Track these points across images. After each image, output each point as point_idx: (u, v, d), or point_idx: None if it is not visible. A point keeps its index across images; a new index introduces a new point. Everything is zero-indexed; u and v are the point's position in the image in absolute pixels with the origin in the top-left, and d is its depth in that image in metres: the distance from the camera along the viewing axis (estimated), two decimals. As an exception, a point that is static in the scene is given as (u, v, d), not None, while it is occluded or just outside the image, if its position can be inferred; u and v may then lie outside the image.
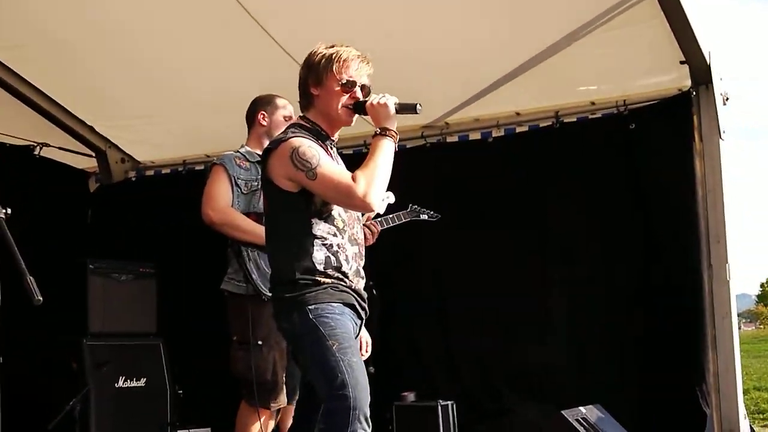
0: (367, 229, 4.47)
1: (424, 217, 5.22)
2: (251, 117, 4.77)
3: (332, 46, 3.52)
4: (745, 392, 9.02)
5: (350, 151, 6.73)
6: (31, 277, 2.89)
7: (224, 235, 4.55)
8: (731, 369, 5.89)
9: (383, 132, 3.43)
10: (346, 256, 3.41)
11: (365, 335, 3.96)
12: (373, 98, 3.46)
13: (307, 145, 3.33)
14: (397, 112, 3.45)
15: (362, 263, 3.52)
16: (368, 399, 3.21)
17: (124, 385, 6.59)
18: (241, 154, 4.68)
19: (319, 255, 3.33)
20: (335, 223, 3.40)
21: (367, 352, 4.00)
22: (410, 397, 6.59)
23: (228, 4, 5.76)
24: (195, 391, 7.21)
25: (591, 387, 6.04)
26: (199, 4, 5.89)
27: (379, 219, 4.77)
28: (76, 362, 6.37)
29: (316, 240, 3.35)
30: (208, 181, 4.60)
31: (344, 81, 3.46)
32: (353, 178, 3.29)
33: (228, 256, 4.61)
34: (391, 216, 4.89)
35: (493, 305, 6.64)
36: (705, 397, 5.84)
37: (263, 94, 4.85)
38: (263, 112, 4.72)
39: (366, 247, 3.65)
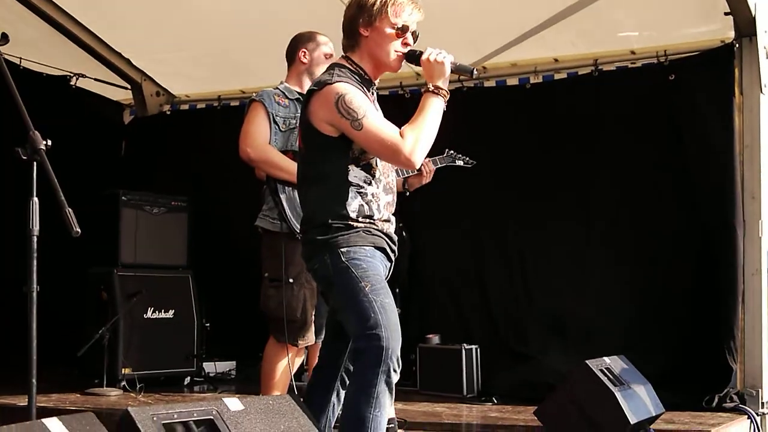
0: (424, 168, 4.51)
1: (460, 162, 5.18)
2: (291, 54, 4.72)
3: None
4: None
5: (386, 92, 6.68)
6: (69, 209, 2.92)
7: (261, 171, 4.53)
8: (757, 326, 5.85)
9: (435, 90, 3.37)
10: (379, 205, 3.39)
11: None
12: (431, 53, 3.38)
13: (353, 93, 3.27)
14: (452, 71, 3.39)
15: (392, 209, 3.50)
16: (400, 340, 3.21)
17: (153, 316, 6.67)
18: (280, 90, 4.63)
19: (353, 203, 3.31)
20: (371, 171, 3.37)
21: None
22: (435, 339, 6.62)
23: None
24: (222, 325, 7.29)
25: (619, 338, 6.03)
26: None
27: (432, 159, 4.79)
28: (107, 292, 6.44)
29: (351, 187, 3.32)
30: (246, 116, 4.57)
31: (399, 25, 3.38)
32: (401, 134, 3.25)
33: (263, 193, 4.60)
34: (430, 159, 4.87)
35: (526, 254, 6.63)
36: (732, 353, 5.81)
37: (304, 31, 4.78)
38: (304, 50, 4.66)
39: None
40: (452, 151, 5.15)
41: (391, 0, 3.38)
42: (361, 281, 3.21)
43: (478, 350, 6.43)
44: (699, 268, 6.09)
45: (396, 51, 3.42)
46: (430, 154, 4.67)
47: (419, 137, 3.27)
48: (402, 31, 3.40)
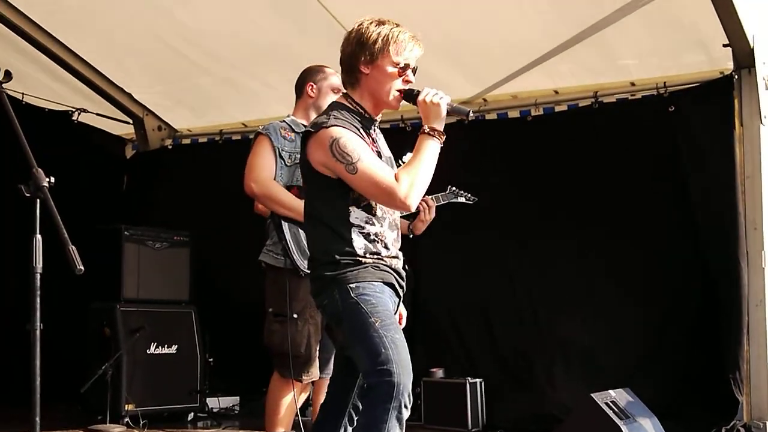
0: (423, 204, 4.51)
1: (462, 199, 5.17)
2: (300, 87, 4.71)
3: (382, 23, 3.38)
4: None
5: (387, 125, 6.70)
6: (73, 247, 2.92)
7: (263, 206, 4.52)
8: (762, 357, 5.84)
9: (431, 132, 3.34)
10: (386, 243, 3.37)
11: (401, 308, 3.94)
12: (428, 94, 3.34)
13: (347, 137, 3.24)
14: (448, 113, 3.37)
15: (398, 244, 3.49)
16: (411, 375, 3.18)
17: (156, 352, 6.65)
18: (287, 123, 4.61)
19: (357, 242, 3.30)
20: (372, 211, 3.35)
21: (401, 324, 3.98)
22: (439, 373, 6.61)
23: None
24: (225, 360, 7.26)
25: (624, 370, 6.01)
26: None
27: (433, 196, 4.79)
28: (109, 328, 6.43)
29: (353, 228, 3.30)
30: (251, 150, 4.56)
31: (401, 63, 3.35)
32: (396, 178, 3.23)
33: (268, 228, 4.59)
34: (432, 196, 4.88)
35: (530, 287, 6.62)
36: (738, 385, 5.79)
37: (311, 64, 4.78)
38: (311, 83, 4.63)
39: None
40: (454, 188, 5.15)
41: (393, 38, 3.33)
42: (371, 317, 3.19)
43: (483, 383, 6.41)
44: (704, 300, 6.09)
45: (397, 90, 3.38)
46: (431, 191, 4.72)
47: (414, 180, 3.23)
48: (403, 69, 3.37)
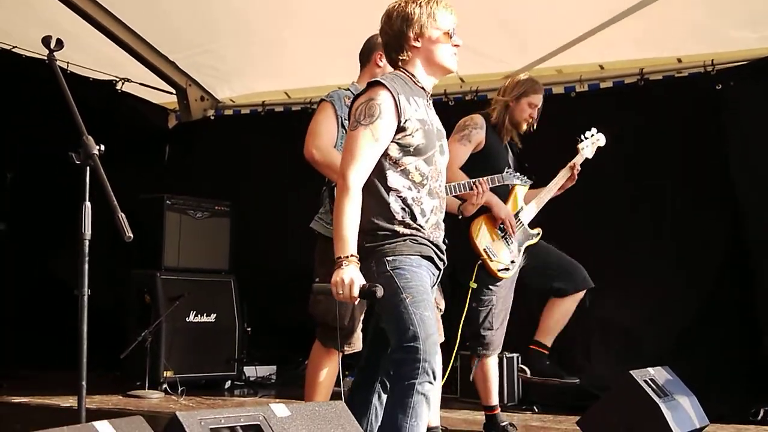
0: (480, 186, 4.52)
1: (517, 182, 5.14)
2: (367, 55, 4.65)
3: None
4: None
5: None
6: (122, 214, 2.95)
7: (323, 174, 4.51)
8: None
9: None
10: (422, 209, 3.39)
11: (438, 296, 3.95)
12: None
13: (386, 104, 3.30)
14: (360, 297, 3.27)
15: (442, 215, 3.51)
16: (438, 353, 3.24)
17: (195, 320, 6.71)
18: (351, 92, 4.59)
19: (395, 206, 3.34)
20: (411, 176, 3.38)
21: (440, 310, 3.99)
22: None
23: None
24: (263, 330, 7.31)
25: (664, 349, 5.98)
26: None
27: (489, 177, 4.77)
28: (150, 296, 6.49)
29: (391, 192, 3.35)
30: (314, 116, 4.54)
31: (447, 29, 3.44)
32: (343, 174, 3.29)
33: (322, 195, 4.59)
34: (488, 178, 4.87)
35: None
36: (770, 371, 5.77)
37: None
38: (381, 53, 4.60)
39: None
40: (510, 170, 5.11)
41: (433, 7, 3.44)
42: (404, 292, 3.24)
43: (519, 358, 6.40)
44: (744, 281, 6.03)
45: (450, 53, 3.47)
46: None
47: (353, 168, 3.29)
48: (450, 34, 3.45)
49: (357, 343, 4.45)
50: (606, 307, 6.24)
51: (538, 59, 6.70)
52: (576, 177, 5.31)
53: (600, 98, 6.70)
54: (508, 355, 6.38)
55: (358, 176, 3.28)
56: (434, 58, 3.46)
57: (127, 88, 7.97)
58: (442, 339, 4.37)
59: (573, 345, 6.54)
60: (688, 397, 5.01)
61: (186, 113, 8.34)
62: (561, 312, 5.32)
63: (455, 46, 3.47)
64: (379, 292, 3.19)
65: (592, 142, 5.41)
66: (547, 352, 5.31)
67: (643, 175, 6.37)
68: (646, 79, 6.53)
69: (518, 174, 5.07)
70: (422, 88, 3.48)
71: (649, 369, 5.00)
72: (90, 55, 7.42)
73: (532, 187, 5.34)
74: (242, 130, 8.21)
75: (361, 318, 4.45)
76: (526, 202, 5.30)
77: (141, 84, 7.98)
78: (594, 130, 5.42)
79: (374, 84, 3.35)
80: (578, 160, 5.34)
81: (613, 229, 6.41)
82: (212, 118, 8.43)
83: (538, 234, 5.31)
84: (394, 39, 3.47)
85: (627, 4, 5.95)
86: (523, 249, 5.24)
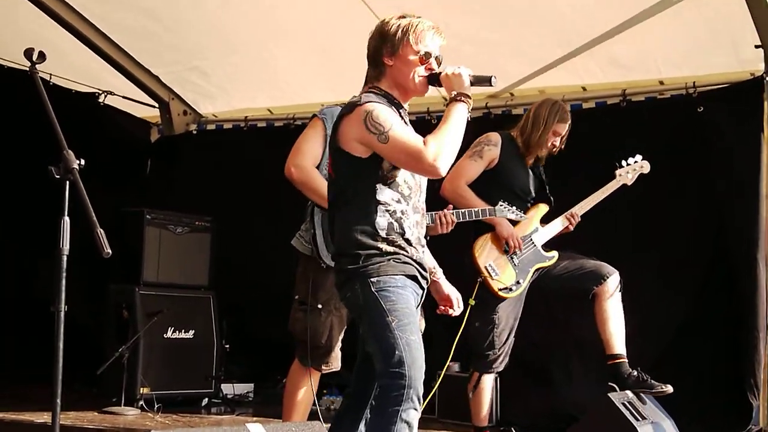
0: (443, 218, 4.50)
1: (511, 216, 5.11)
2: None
3: (404, 17, 3.49)
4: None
5: (413, 118, 6.67)
6: (101, 230, 2.92)
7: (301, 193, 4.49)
8: (780, 363, 5.82)
9: (457, 97, 3.40)
10: (410, 223, 3.40)
11: (454, 292, 3.90)
12: (448, 69, 3.42)
13: (380, 109, 3.31)
14: (472, 84, 3.42)
15: (423, 232, 3.51)
16: (422, 378, 3.23)
17: (173, 336, 6.67)
18: None
19: (381, 221, 3.32)
20: (400, 189, 3.38)
21: (459, 307, 3.94)
22: (455, 367, 6.58)
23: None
24: (241, 347, 7.27)
25: (644, 369, 5.96)
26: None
27: (459, 211, 4.74)
28: (128, 311, 6.45)
29: (379, 206, 3.34)
30: (303, 132, 4.53)
31: (422, 52, 3.43)
32: (424, 143, 3.26)
33: (307, 212, 4.57)
34: (475, 210, 4.86)
35: (549, 283, 6.58)
36: (753, 390, 5.77)
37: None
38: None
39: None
40: (504, 204, 5.06)
41: (412, 28, 3.43)
42: (389, 315, 3.22)
43: (498, 379, 6.38)
44: (723, 302, 6.05)
45: (420, 76, 3.46)
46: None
47: (442, 144, 3.28)
48: (425, 57, 3.44)
49: (335, 363, 4.44)
50: (585, 326, 6.22)
51: (520, 79, 6.72)
52: (573, 226, 5.35)
53: (582, 118, 6.71)
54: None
55: (434, 150, 3.26)
56: (401, 79, 3.46)
57: (110, 101, 7.94)
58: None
59: (552, 365, 6.54)
60: (665, 421, 5.01)
61: (168, 127, 8.32)
62: (608, 314, 5.24)
63: (429, 69, 3.46)
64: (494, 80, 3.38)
65: (634, 169, 5.40)
66: (623, 360, 5.19)
67: (626, 194, 6.37)
68: (628, 100, 6.56)
69: (512, 208, 5.02)
70: (398, 102, 3.49)
71: (627, 392, 5.01)
72: (73, 68, 7.39)
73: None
74: (225, 144, 8.19)
75: (340, 337, 4.44)
76: (544, 224, 5.31)
77: (124, 97, 7.95)
78: (639, 156, 5.42)
79: (359, 104, 3.34)
80: (611, 187, 5.38)
81: (595, 247, 6.39)
82: (195, 132, 8.41)
83: (553, 257, 5.28)
84: (372, 53, 3.50)
85: (607, 27, 5.98)
86: (532, 270, 5.21)
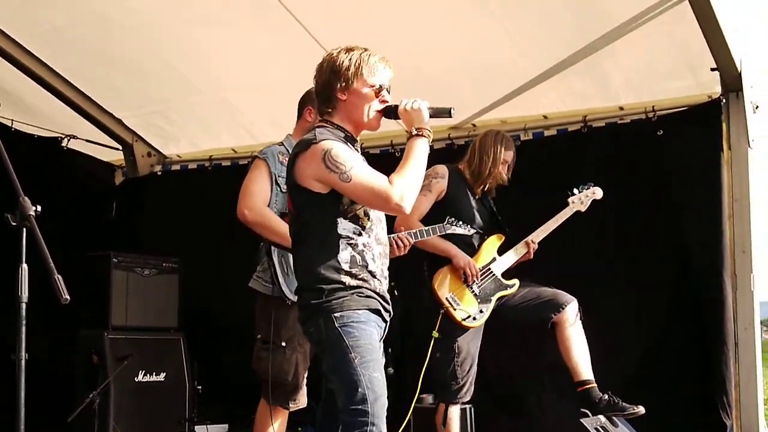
0: (399, 241, 4.53)
1: (460, 231, 5.17)
2: (300, 109, 4.71)
3: (351, 50, 3.50)
4: (765, 402, 8.92)
5: (377, 151, 6.72)
6: (59, 276, 2.91)
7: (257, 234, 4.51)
8: (752, 379, 5.84)
9: (418, 132, 3.42)
10: (373, 255, 3.41)
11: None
12: (406, 103, 3.45)
13: (338, 148, 3.33)
14: (431, 116, 3.45)
15: (386, 263, 3.51)
16: (385, 414, 3.24)
17: (144, 380, 6.61)
18: (285, 148, 4.59)
19: (344, 254, 3.33)
20: (361, 222, 3.40)
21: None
22: (428, 399, 6.55)
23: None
24: (214, 388, 7.21)
25: (616, 392, 5.97)
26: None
27: (412, 231, 4.76)
28: (97, 356, 6.39)
29: (341, 239, 3.35)
30: (248, 174, 4.56)
31: (376, 85, 3.46)
32: (390, 182, 3.29)
33: (260, 253, 4.59)
34: (426, 229, 4.90)
35: (507, 313, 6.59)
36: (726, 408, 5.79)
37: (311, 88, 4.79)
38: (310, 108, 4.63)
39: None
40: (453, 219, 5.11)
41: (364, 61, 3.46)
42: (352, 351, 3.23)
43: (472, 409, 6.36)
44: (689, 323, 6.09)
45: (375, 110, 3.48)
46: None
47: (407, 182, 3.32)
48: (379, 89, 3.46)
49: (302, 399, 4.45)
50: (556, 352, 6.23)
51: (481, 110, 6.76)
52: (532, 252, 5.42)
53: (545, 146, 6.77)
54: (461, 406, 6.34)
55: (400, 189, 3.30)
56: (355, 114, 3.48)
57: (74, 144, 7.89)
58: None
59: (526, 395, 6.54)
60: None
61: (133, 169, 8.29)
62: (571, 342, 5.29)
63: (383, 102, 3.48)
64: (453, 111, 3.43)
65: (586, 195, 5.47)
66: (592, 385, 5.25)
67: (588, 219, 6.40)
68: (589, 126, 6.60)
69: (460, 223, 5.08)
70: (351, 136, 3.51)
71: (600, 417, 5.02)
72: (34, 113, 7.37)
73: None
74: (190, 185, 8.17)
75: (305, 374, 4.43)
76: (501, 254, 5.35)
77: (87, 141, 7.91)
78: (589, 183, 5.50)
79: (315, 142, 3.35)
80: (565, 215, 5.48)
81: (559, 273, 6.42)
82: (159, 173, 8.39)
83: (514, 285, 5.33)
84: (322, 89, 3.52)
85: (564, 55, 6.05)
86: (494, 299, 5.25)
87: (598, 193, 5.54)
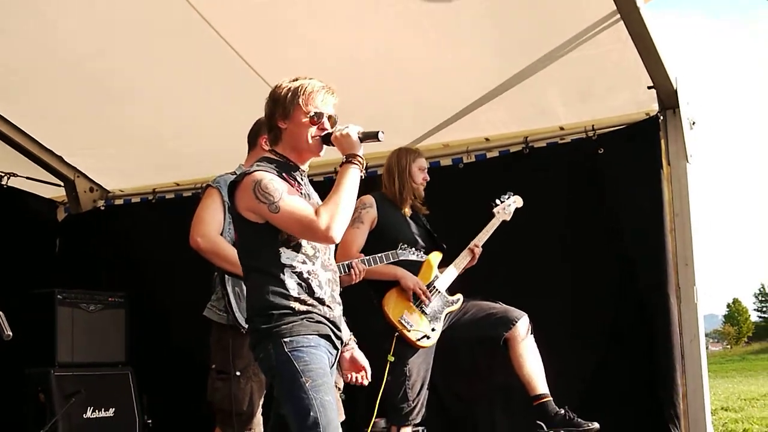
0: (355, 268, 4.56)
1: (413, 257, 5.22)
2: (253, 139, 4.71)
3: (296, 80, 3.54)
4: (713, 413, 9.04)
5: (321, 178, 6.73)
6: (0, 312, 2.88)
7: (210, 262, 4.49)
8: (699, 391, 5.91)
9: (349, 160, 3.45)
10: (319, 282, 3.41)
11: (363, 360, 3.94)
12: (335, 130, 3.48)
13: (269, 179, 3.35)
14: (362, 140, 3.47)
15: (338, 289, 3.52)
16: None
17: (93, 416, 6.54)
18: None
19: (290, 283, 3.34)
20: (303, 250, 3.41)
21: (367, 379, 3.99)
22: (381, 423, 6.54)
23: (199, 28, 5.76)
24: (164, 421, 7.14)
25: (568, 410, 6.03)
26: (170, 29, 5.89)
27: (366, 258, 4.81)
28: (44, 394, 6.30)
29: (285, 268, 3.36)
30: (200, 203, 4.55)
31: (312, 113, 3.48)
32: (316, 213, 3.31)
33: (214, 282, 4.57)
34: (379, 255, 4.95)
35: (459, 333, 6.62)
36: (675, 421, 5.84)
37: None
38: (265, 136, 4.63)
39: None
40: (405, 245, 5.18)
41: (301, 90, 3.49)
42: (303, 375, 3.23)
43: (425, 431, 6.37)
44: (636, 338, 6.14)
45: (313, 137, 3.50)
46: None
47: (335, 212, 3.32)
48: (316, 118, 3.49)
49: (258, 428, 4.43)
50: (505, 372, 6.26)
51: (423, 134, 6.81)
52: (477, 257, 5.51)
53: (487, 168, 6.83)
54: (414, 429, 6.34)
55: (326, 219, 3.30)
56: (294, 141, 3.51)
57: (14, 182, 7.80)
58: (343, 418, 4.35)
59: (475, 416, 6.55)
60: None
61: (75, 205, 8.21)
62: (524, 357, 5.34)
63: (322, 129, 3.50)
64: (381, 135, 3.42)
65: (508, 205, 5.58)
66: (548, 398, 5.31)
67: (531, 238, 6.47)
68: (530, 146, 6.68)
69: (412, 249, 5.15)
70: (294, 164, 3.54)
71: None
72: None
73: (445, 255, 5.45)
74: (134, 218, 8.11)
75: (260, 402, 4.41)
76: (442, 271, 5.39)
77: (27, 178, 7.83)
78: (509, 193, 5.64)
79: (248, 173, 3.39)
80: (493, 226, 5.58)
81: (504, 292, 6.46)
82: (102, 208, 8.31)
83: (458, 300, 5.39)
84: (267, 118, 3.57)
85: (503, 78, 6.11)
86: (443, 316, 5.30)
87: (518, 201, 5.72)
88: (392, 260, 5.04)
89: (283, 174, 3.44)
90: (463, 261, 5.51)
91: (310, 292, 3.37)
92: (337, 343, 3.47)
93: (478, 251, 5.51)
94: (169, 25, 5.86)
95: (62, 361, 6.54)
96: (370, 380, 3.99)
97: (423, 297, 5.18)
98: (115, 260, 7.93)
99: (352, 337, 3.94)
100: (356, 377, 3.87)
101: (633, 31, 5.31)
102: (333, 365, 3.47)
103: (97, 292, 6.98)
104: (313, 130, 3.49)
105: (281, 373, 3.27)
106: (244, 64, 6.11)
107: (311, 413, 3.17)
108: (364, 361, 3.91)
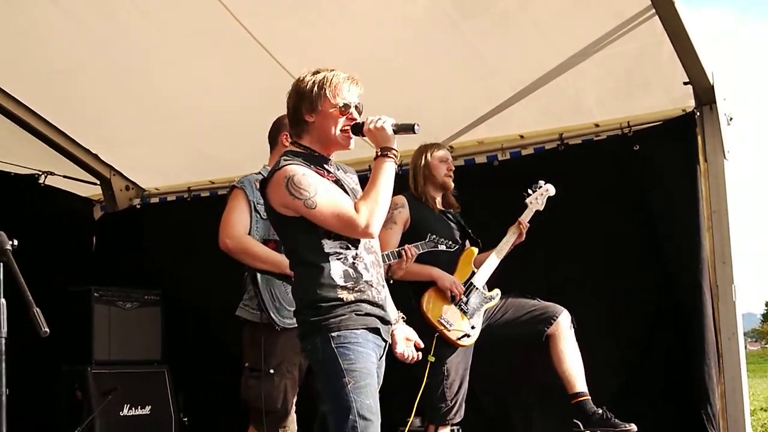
0: (405, 252, 4.56)
1: (442, 247, 5.20)
2: (274, 137, 4.73)
3: (318, 72, 3.52)
4: (752, 413, 8.93)
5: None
6: (37, 309, 2.90)
7: (241, 262, 4.51)
8: (738, 390, 5.85)
9: (384, 153, 3.42)
10: (365, 264, 3.40)
11: (413, 334, 3.79)
12: (370, 122, 3.43)
13: (301, 173, 3.33)
14: (395, 132, 3.44)
15: (381, 271, 3.51)
16: None
17: (129, 413, 6.59)
18: (262, 176, 4.61)
19: (336, 271, 3.32)
20: (345, 237, 3.39)
21: (418, 347, 3.89)
22: (416, 422, 6.53)
23: (233, 29, 5.79)
24: (200, 418, 7.18)
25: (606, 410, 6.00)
26: (204, 29, 5.92)
27: (416, 244, 4.84)
28: (81, 391, 6.35)
29: (330, 257, 3.34)
30: (227, 205, 4.57)
31: (340, 104, 3.45)
32: (356, 208, 3.30)
33: (245, 282, 4.58)
34: (415, 245, 4.95)
35: (500, 331, 6.59)
36: (711, 420, 5.79)
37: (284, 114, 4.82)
38: (287, 133, 4.64)
39: None
40: (434, 236, 5.18)
41: (327, 82, 3.46)
42: (346, 375, 3.21)
43: (461, 430, 6.35)
44: (672, 336, 6.10)
45: (342, 128, 3.47)
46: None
47: (373, 206, 3.31)
48: (345, 108, 3.46)
49: (292, 426, 4.43)
50: (541, 370, 6.23)
51: (458, 131, 6.79)
52: (524, 234, 5.49)
53: (522, 165, 6.79)
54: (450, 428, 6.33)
55: (366, 214, 3.29)
56: (323, 134, 3.48)
57: (51, 181, 7.88)
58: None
59: (511, 414, 6.53)
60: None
61: (111, 203, 8.28)
62: (565, 354, 5.31)
63: (351, 120, 3.48)
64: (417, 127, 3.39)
65: (541, 194, 5.53)
66: (587, 397, 5.28)
67: (567, 236, 6.43)
68: (566, 144, 6.63)
69: (442, 239, 5.13)
70: (321, 155, 3.51)
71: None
72: (10, 151, 7.35)
73: (481, 251, 5.42)
74: (169, 217, 8.16)
75: (294, 400, 4.42)
76: (478, 266, 5.37)
77: (65, 176, 7.90)
78: (541, 182, 5.56)
79: (278, 168, 3.37)
80: (527, 215, 5.52)
81: (541, 290, 6.44)
82: (138, 206, 8.38)
83: (497, 295, 5.36)
84: (292, 113, 3.54)
85: (537, 74, 6.09)
86: (482, 312, 5.28)
87: (551, 189, 5.62)
88: (432, 247, 5.04)
89: (312, 166, 3.43)
90: (505, 246, 5.46)
91: (358, 276, 3.35)
92: (386, 334, 3.45)
93: (525, 226, 5.46)
94: (204, 26, 5.89)
95: (99, 358, 6.59)
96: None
97: (460, 295, 5.17)
98: (151, 258, 7.97)
99: (401, 314, 3.88)
100: (411, 354, 3.72)
101: (668, 27, 5.26)
102: (382, 356, 3.45)
103: (134, 290, 7.03)
104: (342, 122, 3.47)
105: (326, 368, 3.26)
106: (277, 65, 6.11)
107: (350, 416, 3.16)
108: (413, 335, 3.77)
